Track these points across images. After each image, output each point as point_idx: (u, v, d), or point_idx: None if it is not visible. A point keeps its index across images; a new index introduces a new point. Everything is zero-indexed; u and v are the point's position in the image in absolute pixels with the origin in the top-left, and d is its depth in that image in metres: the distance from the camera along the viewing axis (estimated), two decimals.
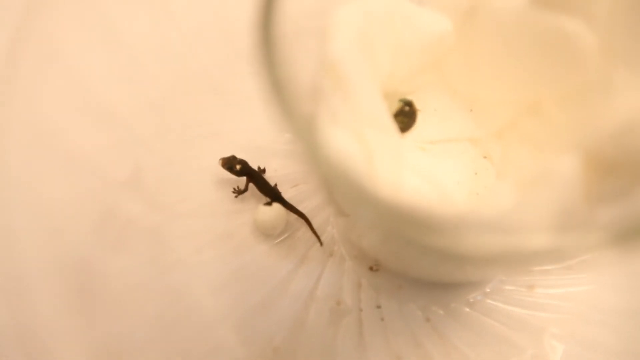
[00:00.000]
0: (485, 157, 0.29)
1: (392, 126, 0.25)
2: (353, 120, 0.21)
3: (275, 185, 0.30)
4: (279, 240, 0.30)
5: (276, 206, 0.29)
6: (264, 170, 0.31)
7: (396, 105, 0.28)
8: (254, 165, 0.30)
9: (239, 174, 0.29)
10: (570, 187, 0.20)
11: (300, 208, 0.30)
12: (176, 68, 0.30)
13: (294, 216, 0.30)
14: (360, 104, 0.22)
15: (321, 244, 0.29)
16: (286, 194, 0.30)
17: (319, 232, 0.29)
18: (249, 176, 0.30)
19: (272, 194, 0.30)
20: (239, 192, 0.30)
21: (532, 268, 0.27)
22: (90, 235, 0.23)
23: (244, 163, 0.29)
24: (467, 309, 0.28)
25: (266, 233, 0.29)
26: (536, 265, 0.27)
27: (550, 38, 0.23)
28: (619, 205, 0.19)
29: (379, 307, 0.28)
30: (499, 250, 0.16)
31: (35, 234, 0.21)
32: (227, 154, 0.30)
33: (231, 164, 0.29)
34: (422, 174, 0.27)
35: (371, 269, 0.29)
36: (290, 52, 0.18)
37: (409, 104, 0.28)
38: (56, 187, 0.23)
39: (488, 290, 0.28)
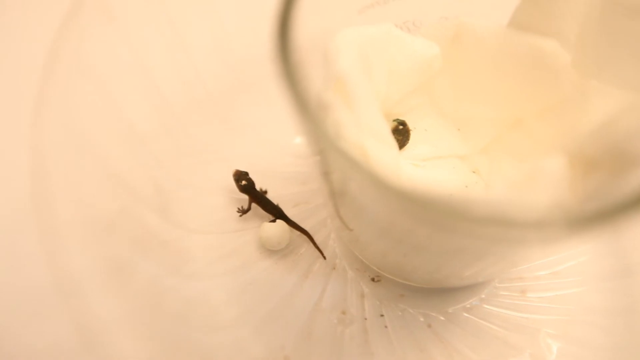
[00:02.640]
0: (474, 172, 0.31)
1: (392, 140, 0.27)
2: (357, 132, 0.23)
3: (277, 204, 0.32)
4: (283, 255, 0.31)
5: (280, 222, 0.31)
6: (265, 192, 0.33)
7: (391, 125, 0.30)
8: (257, 187, 0.32)
9: (241, 188, 0.31)
10: (558, 184, 0.22)
11: (302, 226, 0.31)
12: (188, 96, 0.33)
13: (296, 233, 0.31)
14: (364, 117, 0.24)
15: (324, 258, 0.31)
16: (288, 213, 0.32)
17: (321, 248, 0.31)
18: (251, 196, 0.31)
19: (276, 212, 0.31)
20: (243, 211, 0.32)
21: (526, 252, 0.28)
22: (124, 243, 0.25)
23: (250, 182, 0.31)
24: (466, 314, 0.29)
25: (271, 248, 0.30)
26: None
27: (529, 58, 0.26)
28: (602, 197, 0.21)
29: (382, 315, 0.29)
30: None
31: (80, 237, 0.22)
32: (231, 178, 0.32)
33: (240, 177, 0.31)
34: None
35: (373, 280, 0.30)
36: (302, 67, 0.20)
37: (402, 123, 0.30)
38: (94, 200, 0.24)
39: (484, 296, 0.30)
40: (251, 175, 0.32)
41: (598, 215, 0.17)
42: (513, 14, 0.26)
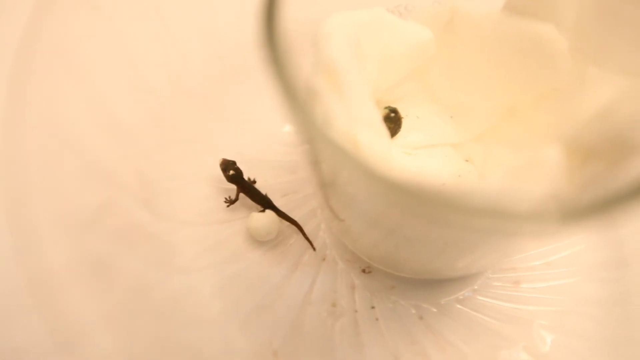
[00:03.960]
0: (467, 160, 0.30)
1: (383, 128, 0.26)
2: (346, 120, 0.22)
3: (266, 194, 0.31)
4: (272, 246, 0.30)
5: (269, 213, 0.30)
6: (254, 181, 0.32)
7: (382, 112, 0.29)
8: (245, 176, 0.31)
9: (229, 178, 0.30)
10: (555, 174, 0.21)
11: (291, 216, 0.31)
12: (174, 85, 0.32)
13: (285, 224, 0.31)
14: (354, 105, 0.23)
15: (314, 249, 0.30)
16: (277, 203, 0.31)
17: (311, 238, 0.30)
18: (239, 186, 0.31)
19: (264, 202, 0.30)
20: (230, 201, 0.31)
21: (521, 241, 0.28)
22: (106, 237, 0.24)
23: (238, 171, 0.30)
24: (458, 306, 0.29)
25: (260, 239, 0.30)
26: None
27: (525, 43, 0.25)
28: (599, 186, 0.20)
29: (373, 307, 0.29)
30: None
31: (59, 232, 0.21)
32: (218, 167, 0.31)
33: (227, 166, 0.30)
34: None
35: (364, 271, 0.30)
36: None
37: (394, 110, 0.29)
38: (73, 191, 0.23)
39: (476, 287, 0.29)
40: (239, 165, 0.31)
41: (594, 206, 0.16)
42: None
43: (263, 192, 0.31)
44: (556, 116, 0.25)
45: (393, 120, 0.29)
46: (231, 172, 0.30)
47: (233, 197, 0.31)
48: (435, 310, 0.29)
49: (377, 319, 0.28)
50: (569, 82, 0.24)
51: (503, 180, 0.22)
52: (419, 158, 0.30)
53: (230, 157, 0.31)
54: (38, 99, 0.22)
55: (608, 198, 0.17)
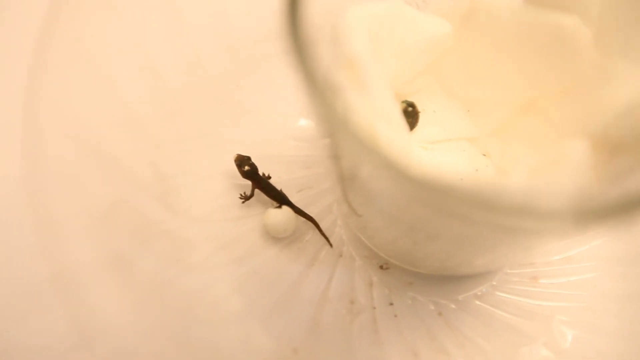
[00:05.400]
0: (484, 155, 0.30)
1: (403, 122, 0.26)
2: (367, 114, 0.22)
3: (281, 190, 0.31)
4: (288, 243, 0.30)
5: (285, 209, 0.30)
6: (269, 177, 0.31)
7: (400, 106, 0.29)
8: (260, 172, 0.31)
9: (244, 174, 0.30)
10: (582, 170, 0.21)
11: (306, 212, 0.30)
12: (188, 80, 0.31)
13: (301, 220, 0.30)
14: (375, 99, 0.22)
15: (331, 245, 0.30)
16: (292, 199, 0.31)
17: (327, 234, 0.30)
18: (254, 182, 0.30)
19: (280, 198, 0.30)
20: (245, 197, 0.31)
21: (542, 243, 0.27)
22: (122, 234, 0.23)
23: (253, 167, 0.30)
24: (477, 302, 0.29)
25: (276, 236, 0.29)
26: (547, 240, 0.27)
27: (546, 35, 0.25)
28: (628, 183, 0.20)
29: (391, 304, 0.28)
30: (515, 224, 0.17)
31: (78, 228, 0.21)
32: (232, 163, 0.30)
33: (242, 162, 0.30)
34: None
35: (381, 267, 0.29)
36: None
37: (411, 105, 0.29)
38: (91, 188, 0.23)
39: (495, 282, 0.29)
40: (254, 160, 0.31)
41: (618, 206, 0.16)
42: None
43: (278, 187, 0.31)
44: (580, 111, 0.25)
45: (411, 115, 0.29)
46: (246, 167, 0.30)
47: (248, 193, 0.31)
48: (453, 306, 0.28)
49: (395, 316, 0.28)
50: (594, 76, 0.24)
51: (528, 178, 0.22)
52: (436, 152, 0.29)
53: (244, 153, 0.31)
54: (54, 97, 0.21)
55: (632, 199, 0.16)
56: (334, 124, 0.17)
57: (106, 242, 0.23)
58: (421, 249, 0.27)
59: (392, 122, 0.24)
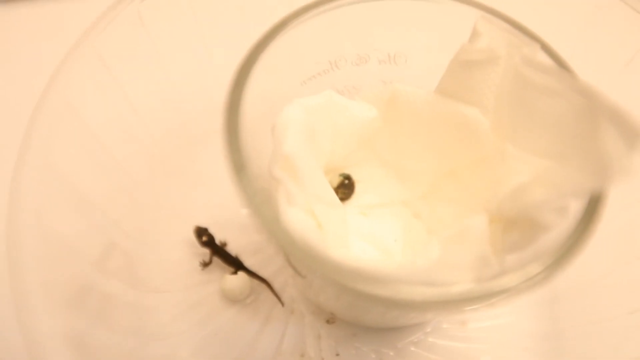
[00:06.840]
0: (415, 217, 0.34)
1: (337, 201, 0.30)
2: (305, 199, 0.26)
3: (237, 255, 0.34)
4: (245, 304, 0.33)
5: (240, 274, 0.33)
6: (225, 244, 0.35)
7: (337, 180, 0.33)
8: (217, 239, 0.34)
9: (203, 244, 0.33)
10: (481, 241, 0.25)
11: (261, 273, 0.34)
12: (141, 156, 0.35)
13: (255, 282, 0.34)
14: (310, 187, 0.26)
15: (282, 304, 0.33)
16: (247, 262, 0.34)
17: (279, 294, 0.33)
18: (212, 250, 0.34)
19: (236, 264, 0.34)
20: (204, 264, 0.34)
21: (462, 309, 0.32)
22: (76, 309, 0.26)
23: (211, 238, 0.33)
24: (413, 348, 0.32)
25: (234, 300, 0.33)
26: (464, 307, 0.32)
27: (454, 120, 0.29)
28: (519, 254, 0.24)
29: (338, 354, 0.32)
30: (430, 298, 0.21)
31: (46, 302, 0.24)
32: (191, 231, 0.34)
33: (200, 233, 0.33)
34: (365, 235, 0.32)
35: (328, 321, 0.33)
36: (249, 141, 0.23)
37: (347, 177, 0.33)
38: (58, 266, 0.26)
39: (429, 330, 0.33)
40: (210, 226, 0.34)
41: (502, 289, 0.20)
42: (439, 83, 0.29)
43: (235, 252, 0.34)
44: (485, 181, 0.29)
45: (347, 187, 0.33)
46: (204, 238, 0.33)
47: (207, 259, 0.34)
48: (392, 353, 0.32)
49: None
50: (493, 156, 0.28)
51: (440, 245, 0.26)
52: (373, 219, 0.33)
53: (201, 220, 0.34)
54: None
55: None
56: (266, 229, 0.21)
57: (70, 320, 0.26)
58: (359, 308, 0.30)
59: (327, 201, 0.28)
